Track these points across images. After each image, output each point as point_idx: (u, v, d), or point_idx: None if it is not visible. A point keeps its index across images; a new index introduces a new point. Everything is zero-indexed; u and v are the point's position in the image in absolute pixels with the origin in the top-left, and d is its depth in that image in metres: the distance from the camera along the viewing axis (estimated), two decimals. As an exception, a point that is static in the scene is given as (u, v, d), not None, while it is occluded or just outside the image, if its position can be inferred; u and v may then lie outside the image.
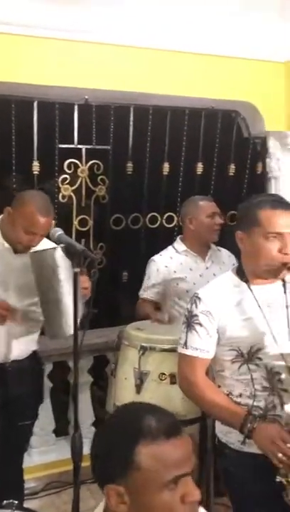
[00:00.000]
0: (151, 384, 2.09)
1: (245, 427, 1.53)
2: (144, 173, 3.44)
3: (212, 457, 2.31)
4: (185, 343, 1.65)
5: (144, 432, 0.98)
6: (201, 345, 1.62)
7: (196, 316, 1.63)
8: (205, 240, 2.72)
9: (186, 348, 1.64)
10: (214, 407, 1.62)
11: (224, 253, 2.79)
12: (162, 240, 3.32)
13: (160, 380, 2.08)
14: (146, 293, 2.69)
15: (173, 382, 2.06)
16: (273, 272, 1.59)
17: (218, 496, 2.59)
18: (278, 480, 1.47)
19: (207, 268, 2.67)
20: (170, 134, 3.45)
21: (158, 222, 3.52)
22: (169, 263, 2.68)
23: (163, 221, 3.53)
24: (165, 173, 3.48)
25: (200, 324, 1.62)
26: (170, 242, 2.87)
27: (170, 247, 2.77)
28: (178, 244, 2.75)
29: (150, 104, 3.36)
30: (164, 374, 2.08)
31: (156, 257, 2.73)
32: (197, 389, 1.63)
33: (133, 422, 1.01)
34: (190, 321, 1.64)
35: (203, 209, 2.68)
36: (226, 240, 2.80)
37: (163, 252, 2.75)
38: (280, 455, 1.43)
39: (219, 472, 2.53)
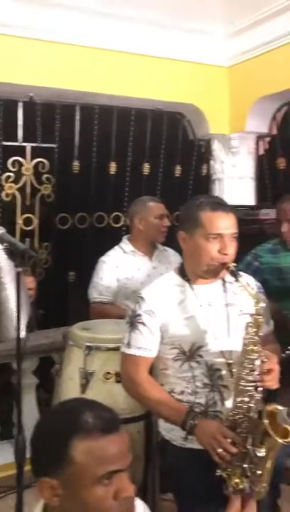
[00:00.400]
0: (96, 383, 2.09)
1: (187, 423, 1.56)
2: (91, 172, 3.44)
3: (158, 454, 2.36)
4: (129, 343, 1.66)
5: (81, 426, 0.98)
6: (144, 344, 1.65)
7: (139, 315, 1.65)
8: (153, 240, 2.74)
9: (129, 348, 1.66)
10: (157, 404, 1.64)
11: (171, 253, 2.83)
12: (109, 239, 3.33)
13: (106, 379, 2.08)
14: (103, 296, 2.65)
15: (118, 381, 2.06)
16: (213, 272, 1.64)
17: (164, 492, 2.64)
18: (218, 473, 1.51)
19: (154, 268, 2.69)
20: (116, 134, 3.47)
21: (106, 222, 3.53)
22: (118, 263, 2.69)
23: (110, 221, 3.54)
24: (112, 172, 3.49)
25: (143, 323, 1.64)
26: (117, 241, 2.87)
27: (116, 247, 2.78)
28: (125, 245, 2.76)
29: (96, 104, 3.36)
30: (109, 373, 2.08)
31: (105, 258, 2.72)
32: (141, 388, 1.65)
33: (70, 416, 1.01)
34: (134, 321, 1.66)
35: (152, 210, 2.70)
36: (172, 240, 2.84)
37: (111, 253, 2.76)
38: (220, 450, 1.47)
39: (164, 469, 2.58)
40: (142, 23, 3.18)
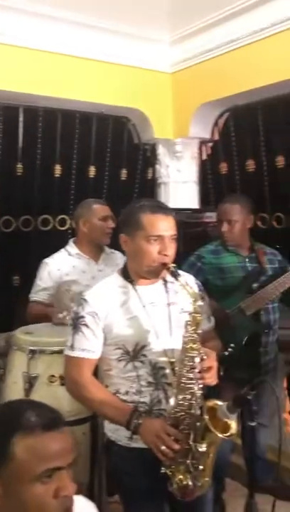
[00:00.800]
0: (40, 387, 2.07)
1: (131, 423, 1.57)
2: (35, 175, 3.40)
3: (104, 455, 2.36)
4: (72, 345, 1.66)
5: (22, 424, 0.98)
6: (88, 346, 1.65)
7: (82, 317, 1.66)
8: (97, 242, 2.75)
9: (73, 350, 1.66)
10: (101, 406, 1.65)
11: (118, 256, 2.84)
12: (55, 242, 3.29)
13: (50, 382, 2.07)
14: (37, 295, 2.66)
15: (63, 384, 2.05)
16: (154, 272, 1.68)
17: (111, 494, 2.64)
18: (163, 471, 1.54)
19: (99, 270, 2.70)
20: (61, 137, 3.45)
21: (51, 225, 3.50)
22: (61, 266, 2.67)
23: (56, 224, 3.52)
24: (56, 175, 3.47)
25: (87, 325, 1.65)
26: (63, 244, 2.85)
27: (62, 250, 2.77)
28: (71, 247, 2.75)
29: (40, 106, 3.33)
30: (54, 376, 2.07)
31: (48, 260, 2.71)
32: (85, 389, 1.65)
33: (13, 415, 1.01)
34: (77, 323, 1.66)
35: (96, 212, 2.71)
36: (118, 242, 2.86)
37: (56, 255, 2.74)
38: (163, 447, 1.50)
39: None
40: (87, 27, 3.20)
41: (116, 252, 2.85)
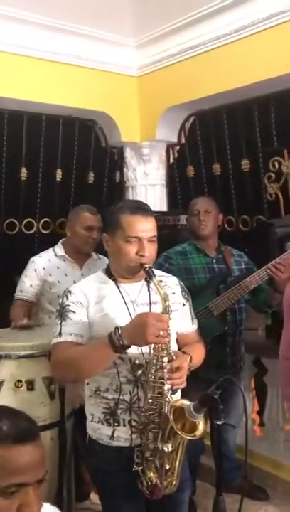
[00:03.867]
0: (6, 392, 2.03)
1: (114, 339, 1.51)
2: (0, 178, 3.35)
3: (72, 460, 2.33)
4: (60, 333, 1.66)
5: None
6: (75, 330, 1.65)
7: (68, 305, 1.68)
8: (79, 249, 2.73)
9: (60, 336, 1.65)
10: (84, 357, 1.60)
11: (105, 261, 2.81)
12: (21, 246, 3.25)
13: (17, 387, 2.03)
14: (23, 294, 2.67)
15: (30, 389, 2.04)
16: (132, 271, 1.70)
17: (81, 500, 2.61)
18: (135, 469, 1.54)
19: (82, 275, 2.66)
20: (27, 139, 3.42)
21: (17, 229, 3.45)
22: (47, 265, 2.67)
23: (22, 227, 3.47)
24: (23, 178, 3.43)
25: (73, 312, 1.66)
26: (29, 248, 2.83)
27: (50, 250, 2.77)
28: (59, 248, 2.75)
29: (5, 108, 3.29)
30: (20, 381, 2.04)
31: (35, 258, 2.71)
32: (67, 359, 1.61)
33: None
34: (63, 312, 1.67)
35: (82, 220, 2.69)
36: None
37: (43, 254, 2.74)
38: (162, 332, 1.47)
39: (82, 475, 2.55)
40: (55, 29, 3.19)
41: (104, 258, 2.81)
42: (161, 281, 1.63)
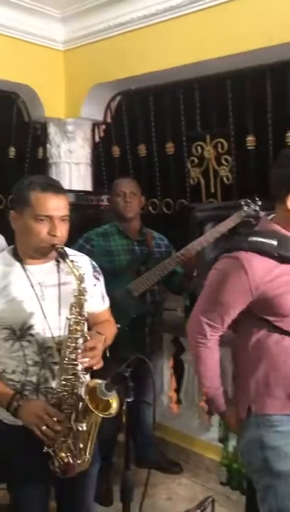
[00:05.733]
0: None
1: (11, 405, 1.55)
2: None
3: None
4: None
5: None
6: None
7: None
8: None
9: None
10: None
11: None
12: None
13: None
14: None
15: None
16: (42, 252, 1.63)
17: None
18: (45, 451, 1.53)
19: None
20: None
21: None
22: None
23: None
24: None
25: None
26: None
27: None
28: None
29: None
30: None
31: None
32: None
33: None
34: None
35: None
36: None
37: None
38: (44, 428, 1.49)
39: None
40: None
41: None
42: (73, 261, 1.59)
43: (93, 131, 3.73)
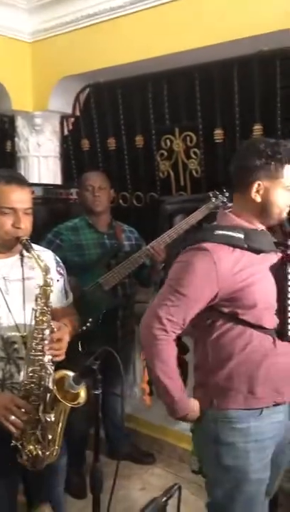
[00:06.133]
0: None
1: None
2: None
3: None
4: None
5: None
6: None
7: None
8: None
9: None
10: None
11: None
12: None
13: None
14: None
15: None
16: (7, 245, 1.63)
17: None
18: (13, 444, 1.53)
19: None
20: None
21: None
22: None
23: None
24: None
25: None
26: None
27: None
28: None
29: None
30: None
31: None
32: None
33: None
34: None
35: None
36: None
37: None
38: (13, 418, 1.49)
39: None
40: None
41: None
42: (38, 253, 1.60)
43: (62, 124, 3.69)
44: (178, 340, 1.63)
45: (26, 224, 1.62)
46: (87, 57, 3.24)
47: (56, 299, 1.73)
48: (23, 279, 1.67)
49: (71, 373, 1.48)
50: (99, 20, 3.13)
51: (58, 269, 1.80)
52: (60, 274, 1.80)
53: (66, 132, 3.72)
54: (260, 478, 1.60)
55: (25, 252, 1.65)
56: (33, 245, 1.64)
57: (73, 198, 3.29)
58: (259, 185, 1.55)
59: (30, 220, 1.64)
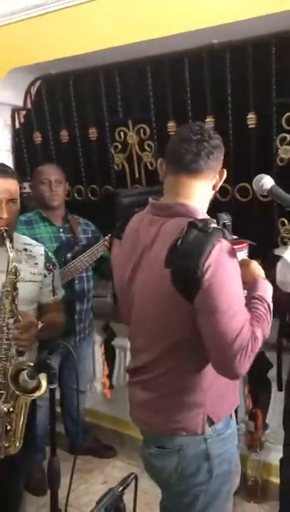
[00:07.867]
0: None
1: None
2: None
3: None
4: None
5: None
6: None
7: None
8: None
9: None
10: None
11: None
12: None
13: None
14: None
15: None
16: None
17: None
18: None
19: None
20: None
21: None
22: None
23: None
24: None
25: None
26: None
27: None
28: None
29: None
30: None
31: None
32: None
33: None
34: None
35: None
36: None
37: None
38: None
39: None
40: None
41: None
42: (26, 249, 1.68)
43: (13, 117, 3.60)
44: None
45: (6, 214, 1.63)
46: (38, 48, 3.16)
47: (42, 294, 1.77)
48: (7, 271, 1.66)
49: (30, 364, 1.46)
50: (49, 10, 3.06)
51: (48, 264, 1.82)
52: (49, 270, 1.82)
53: (18, 125, 3.63)
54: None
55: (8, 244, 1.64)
56: (27, 239, 1.71)
57: (26, 191, 3.23)
58: None
59: (14, 211, 1.68)
